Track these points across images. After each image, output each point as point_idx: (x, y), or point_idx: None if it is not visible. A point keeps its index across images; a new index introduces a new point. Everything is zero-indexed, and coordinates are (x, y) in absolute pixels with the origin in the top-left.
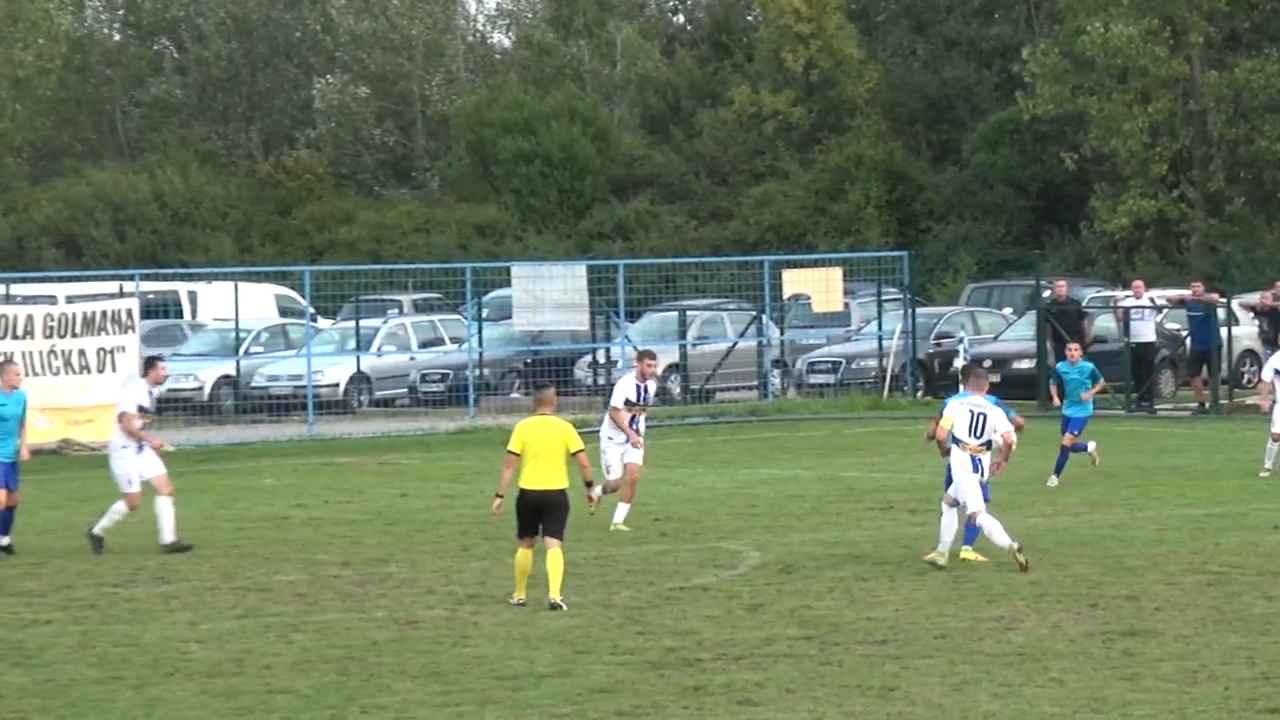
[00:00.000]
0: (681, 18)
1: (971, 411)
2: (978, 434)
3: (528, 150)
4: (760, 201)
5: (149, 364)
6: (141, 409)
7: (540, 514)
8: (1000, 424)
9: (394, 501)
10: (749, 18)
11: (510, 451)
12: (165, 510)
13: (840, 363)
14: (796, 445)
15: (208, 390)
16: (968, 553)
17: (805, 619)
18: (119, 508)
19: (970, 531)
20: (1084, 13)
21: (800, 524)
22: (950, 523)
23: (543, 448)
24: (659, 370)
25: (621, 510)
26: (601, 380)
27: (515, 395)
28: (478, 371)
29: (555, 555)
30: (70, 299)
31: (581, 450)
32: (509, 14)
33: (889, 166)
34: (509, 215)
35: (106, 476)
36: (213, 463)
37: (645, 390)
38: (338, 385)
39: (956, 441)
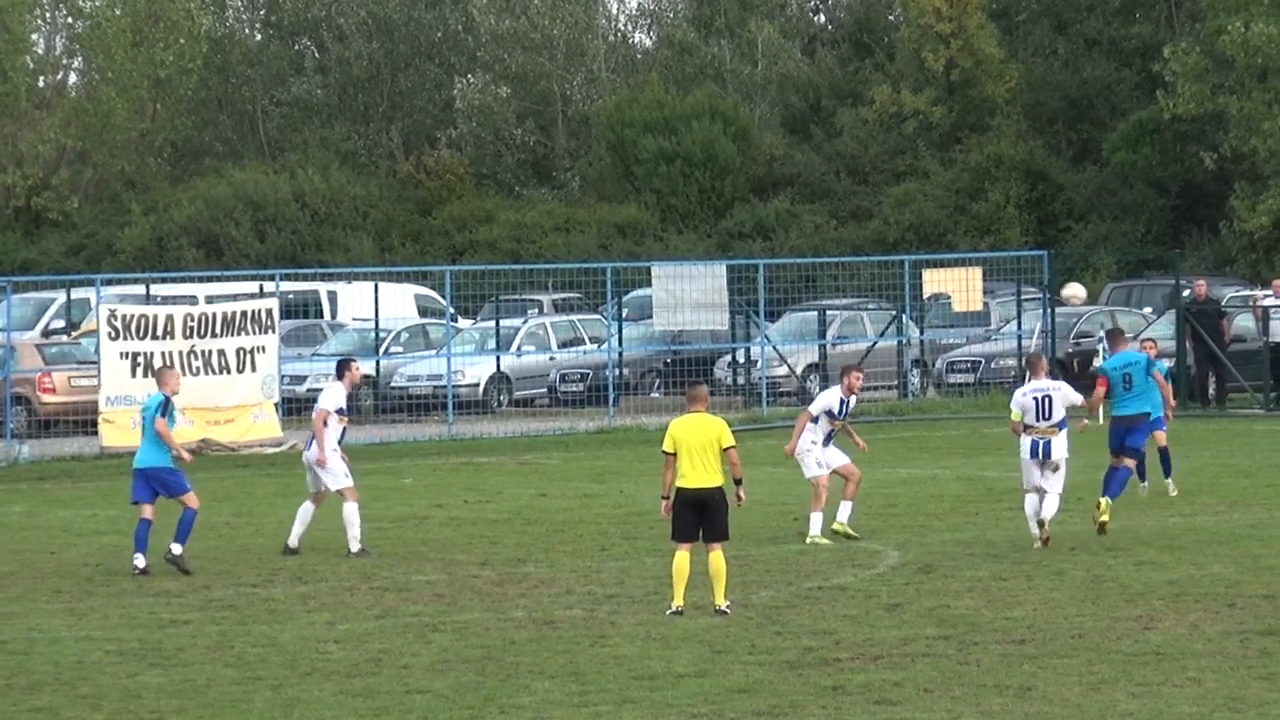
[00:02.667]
0: (822, 17)
1: (1035, 397)
2: (1046, 415)
3: (668, 150)
4: (900, 201)
5: (343, 366)
6: (340, 412)
7: (701, 514)
8: (1070, 395)
9: (533, 501)
10: (890, 17)
11: (665, 451)
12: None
13: (979, 362)
14: (935, 444)
15: None
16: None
17: (943, 618)
18: (350, 513)
19: (1114, 486)
20: (1225, 12)
21: (939, 523)
22: (1030, 507)
23: (697, 445)
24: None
25: (844, 509)
26: (741, 380)
27: (655, 395)
28: (617, 371)
29: (719, 559)
30: (210, 299)
31: (733, 447)
32: (650, 13)
33: (1029, 166)
34: (649, 215)
35: (245, 477)
36: (352, 463)
37: (847, 404)
38: (477, 385)
39: (1025, 428)
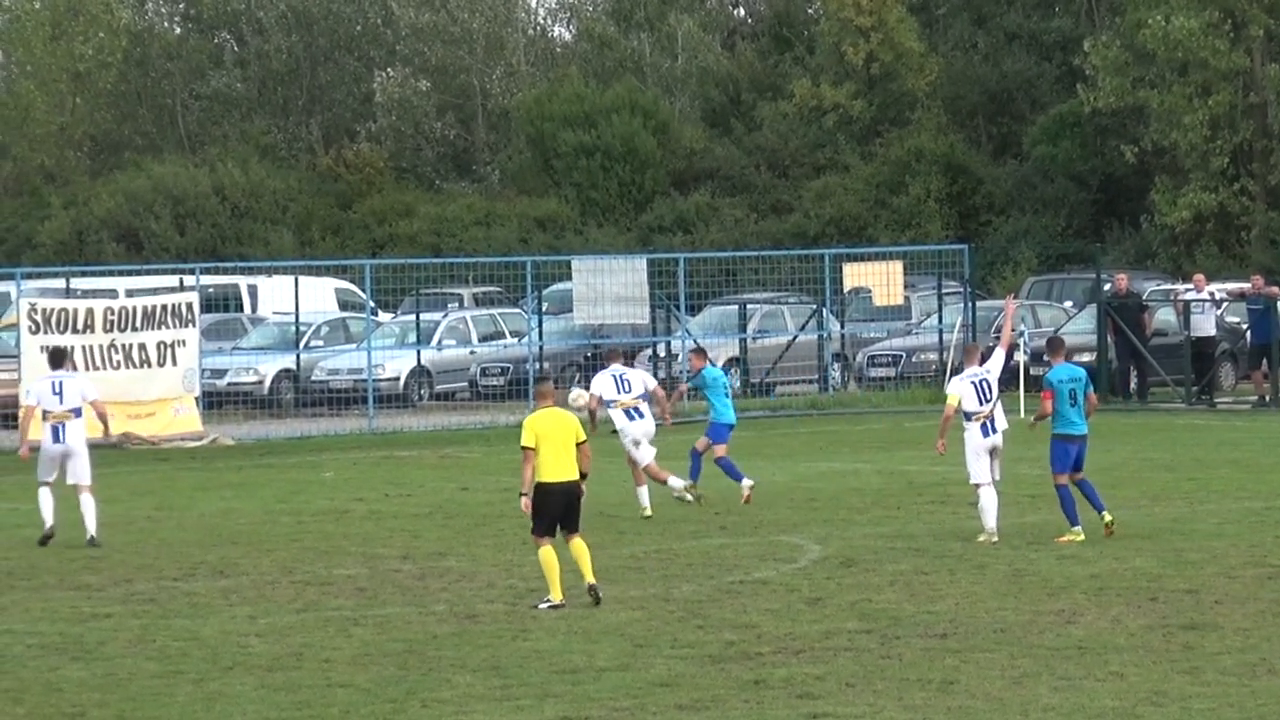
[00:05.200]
0: (742, 11)
1: (974, 382)
2: (986, 398)
3: (588, 143)
4: (821, 195)
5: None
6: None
7: (563, 507)
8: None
9: (454, 495)
10: (809, 11)
11: (526, 447)
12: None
13: (901, 356)
14: (857, 439)
15: (268, 384)
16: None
17: (865, 612)
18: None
19: (1096, 497)
20: (1144, 5)
21: (860, 517)
22: (990, 503)
23: (558, 440)
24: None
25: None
26: (662, 374)
27: (576, 389)
28: (538, 365)
29: (580, 542)
30: (131, 293)
31: (585, 441)
32: (569, 7)
33: (949, 160)
34: (569, 209)
35: (166, 471)
36: (273, 456)
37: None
38: (398, 379)
39: (969, 416)
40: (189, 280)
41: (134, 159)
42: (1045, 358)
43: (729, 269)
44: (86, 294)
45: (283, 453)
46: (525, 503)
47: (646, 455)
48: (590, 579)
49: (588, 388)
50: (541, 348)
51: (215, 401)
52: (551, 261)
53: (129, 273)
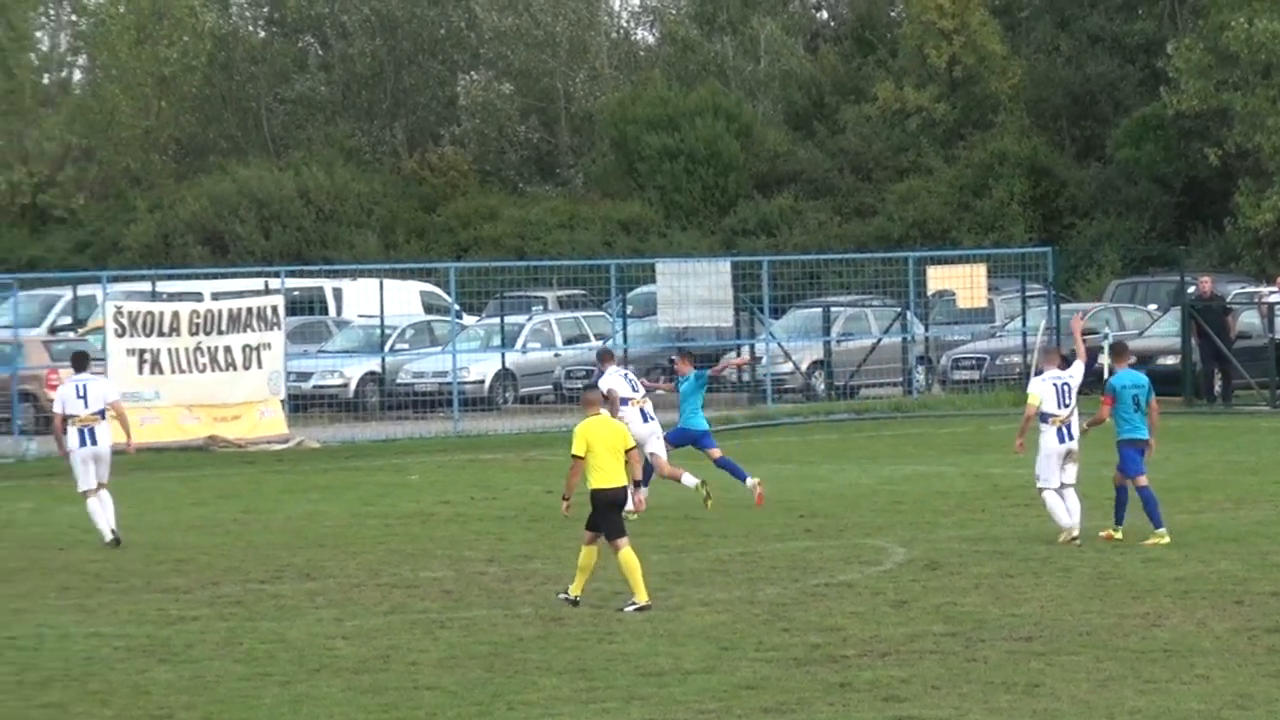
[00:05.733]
0: (825, 14)
1: (1055, 385)
2: (1065, 403)
3: (672, 146)
4: (904, 197)
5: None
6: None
7: (608, 513)
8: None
9: (539, 498)
10: (892, 13)
11: (576, 455)
12: None
13: (984, 359)
14: (941, 441)
15: (353, 387)
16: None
17: (950, 615)
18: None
19: (1155, 511)
20: (1228, 8)
21: (945, 520)
22: (1056, 503)
23: (607, 447)
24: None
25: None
26: (746, 377)
27: (660, 392)
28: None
29: (630, 553)
30: (216, 296)
31: (634, 449)
32: (653, 10)
33: (1033, 162)
34: (653, 211)
35: (252, 474)
36: (358, 459)
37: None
38: (483, 382)
39: (1045, 418)
40: (274, 283)
41: (219, 162)
42: (1108, 362)
43: (813, 272)
44: (172, 297)
45: (368, 456)
46: (565, 507)
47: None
48: (643, 599)
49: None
50: (626, 350)
51: (301, 404)
52: (635, 264)
53: (214, 276)
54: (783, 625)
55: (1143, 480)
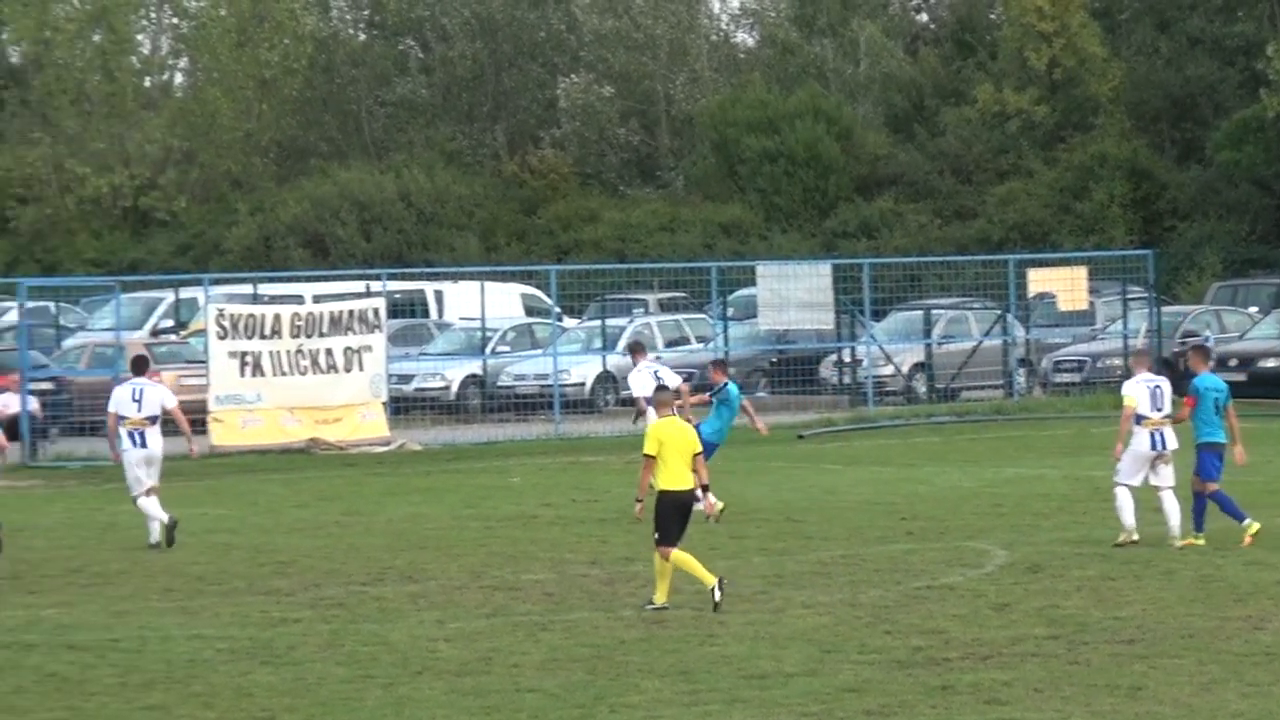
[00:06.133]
0: (924, 16)
1: (1149, 387)
2: (1159, 407)
3: (772, 149)
4: (1004, 200)
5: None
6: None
7: (682, 515)
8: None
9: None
10: (991, 16)
11: (648, 454)
12: None
13: (1085, 361)
14: (1042, 444)
15: (455, 389)
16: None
17: (1052, 618)
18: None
19: (1234, 509)
20: None
21: (1046, 523)
22: (1126, 502)
23: (677, 449)
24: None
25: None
26: (847, 379)
27: (761, 395)
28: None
29: (683, 554)
30: (318, 298)
31: (700, 453)
32: (753, 13)
33: (1133, 165)
34: (754, 214)
35: (354, 476)
36: (460, 462)
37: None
38: (584, 384)
39: (1138, 420)
40: (375, 286)
41: (320, 165)
42: (1188, 365)
43: (913, 274)
44: (273, 300)
45: (470, 458)
46: (639, 509)
47: None
48: (663, 600)
49: (773, 393)
50: (727, 353)
51: (402, 407)
52: (736, 267)
53: (315, 279)
54: (885, 628)
55: (1213, 486)
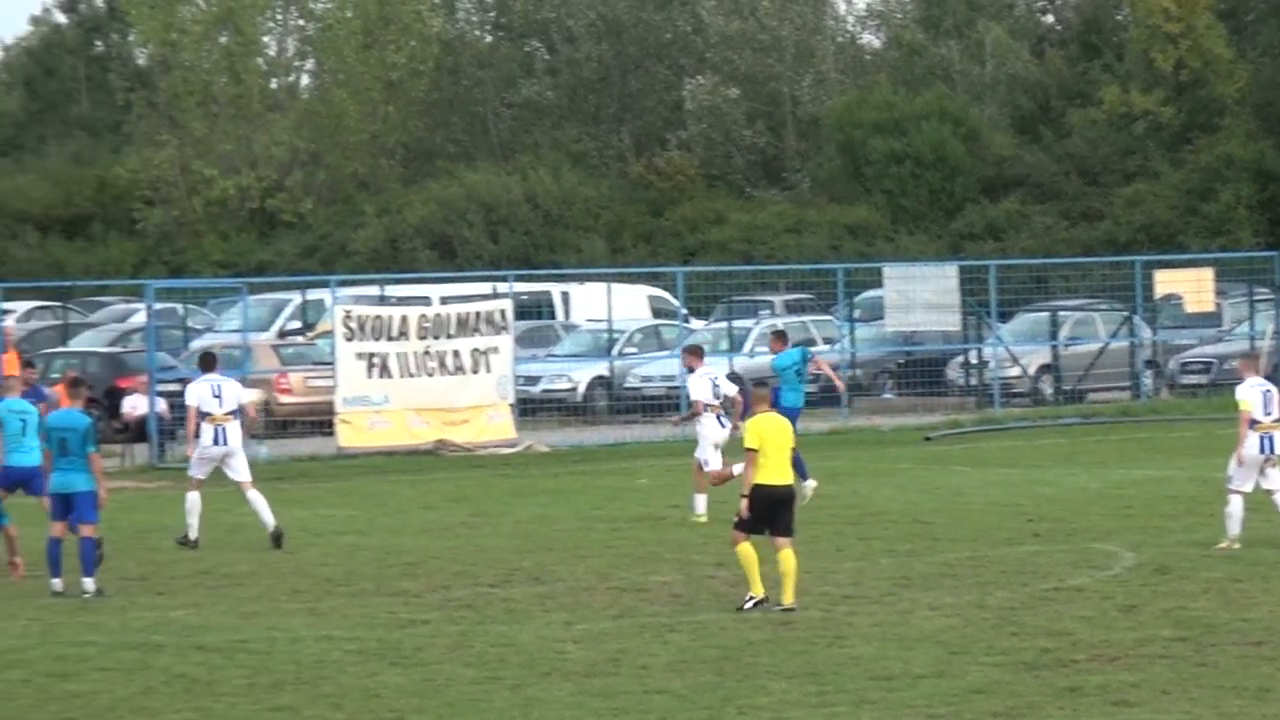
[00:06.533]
0: (1050, 17)
1: (1261, 391)
2: (1269, 411)
3: (898, 150)
4: (1131, 201)
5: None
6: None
7: (775, 511)
8: None
9: None
10: (1118, 17)
11: (751, 449)
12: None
13: (1212, 363)
14: (1170, 445)
15: (581, 391)
16: None
17: (1180, 620)
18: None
19: None
20: None
21: (1174, 525)
22: (1237, 509)
23: (778, 444)
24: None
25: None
26: (974, 381)
27: (888, 396)
28: (850, 372)
29: (790, 556)
30: (445, 300)
31: (793, 448)
32: (879, 14)
33: (1259, 166)
34: (880, 215)
35: (481, 477)
36: (587, 463)
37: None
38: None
39: (1252, 424)
40: (502, 287)
41: (446, 166)
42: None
43: (1040, 276)
44: (401, 301)
45: (597, 459)
46: (745, 505)
47: (717, 461)
48: (789, 601)
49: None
50: (854, 355)
51: (529, 408)
52: (862, 268)
53: (442, 280)
54: (1012, 630)
55: None
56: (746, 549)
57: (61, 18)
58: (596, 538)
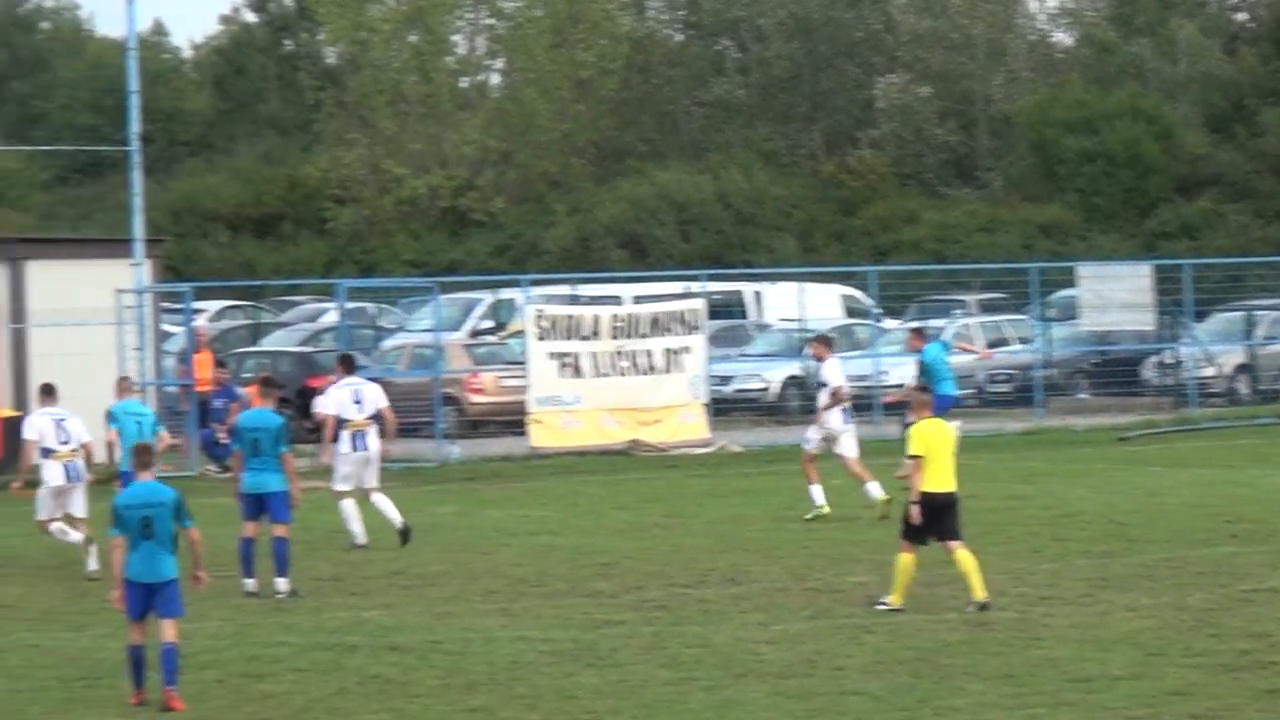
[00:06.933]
0: (1243, 15)
1: None
2: None
3: (1091, 149)
4: None
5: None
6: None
7: (940, 517)
8: None
9: (964, 502)
10: None
11: (917, 455)
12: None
13: None
14: None
15: (775, 391)
16: None
17: None
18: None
19: None
20: None
21: None
22: None
23: (942, 450)
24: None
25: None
26: (1169, 381)
27: (1083, 396)
28: (1045, 372)
29: (967, 555)
30: (639, 299)
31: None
32: (1070, 12)
33: None
34: (1073, 214)
35: (674, 478)
36: (780, 464)
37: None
38: (902, 385)
39: None
40: (694, 287)
41: (636, 165)
42: None
43: (1235, 275)
44: (592, 301)
45: (790, 460)
46: (916, 511)
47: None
48: (980, 596)
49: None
50: (1049, 354)
51: (722, 408)
52: (1056, 268)
53: (633, 280)
54: (1210, 631)
55: None
56: (907, 560)
57: (251, 16)
58: (790, 538)
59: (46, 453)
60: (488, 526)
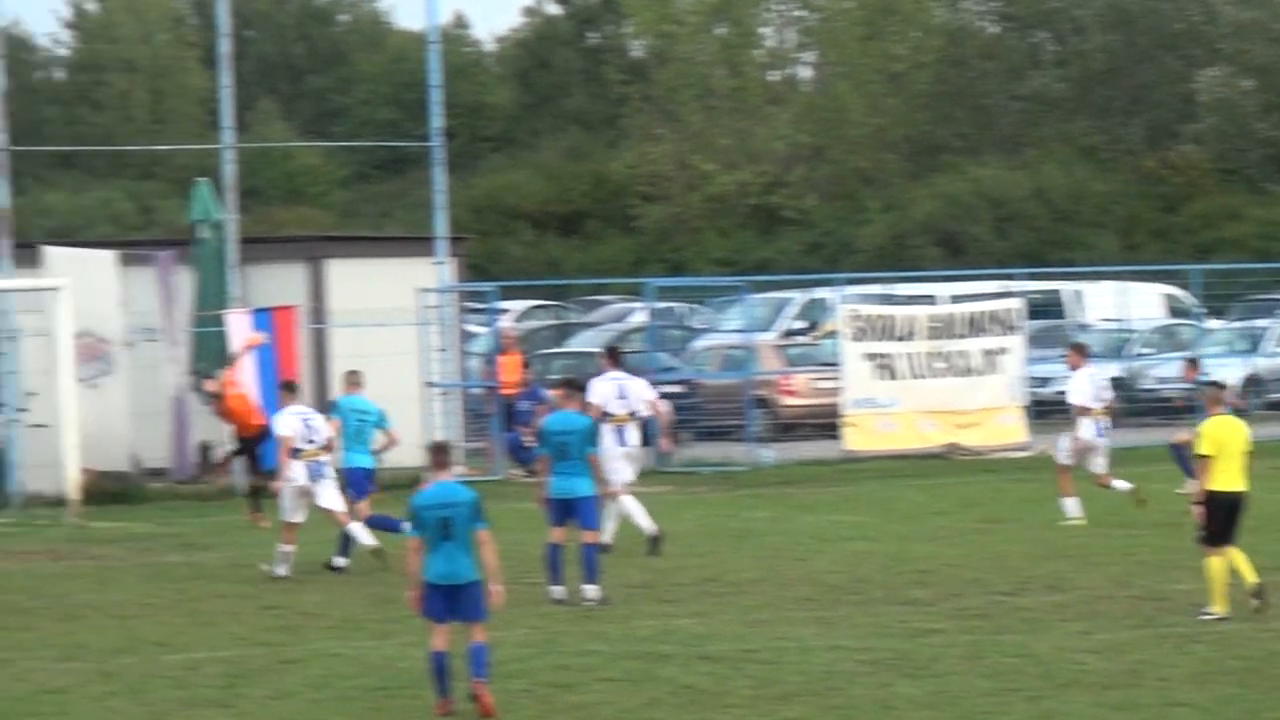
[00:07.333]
0: None
1: None
2: None
3: None
4: None
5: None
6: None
7: (1233, 518)
8: None
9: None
10: None
11: (1206, 455)
12: None
13: None
14: None
15: None
16: None
17: None
18: None
19: None
20: None
21: None
22: None
23: (1233, 449)
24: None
25: None
26: None
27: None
28: None
29: (1225, 564)
30: (956, 299)
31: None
32: None
33: None
34: None
35: (993, 482)
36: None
37: None
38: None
39: None
40: (1012, 286)
41: (951, 161)
42: None
43: None
44: (906, 300)
45: (1114, 463)
46: (1200, 511)
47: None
48: (1251, 579)
49: None
50: None
51: (1042, 411)
52: None
53: (947, 278)
54: None
55: None
56: (1216, 564)
57: (554, 9)
58: (1111, 544)
59: (294, 452)
60: (801, 532)
